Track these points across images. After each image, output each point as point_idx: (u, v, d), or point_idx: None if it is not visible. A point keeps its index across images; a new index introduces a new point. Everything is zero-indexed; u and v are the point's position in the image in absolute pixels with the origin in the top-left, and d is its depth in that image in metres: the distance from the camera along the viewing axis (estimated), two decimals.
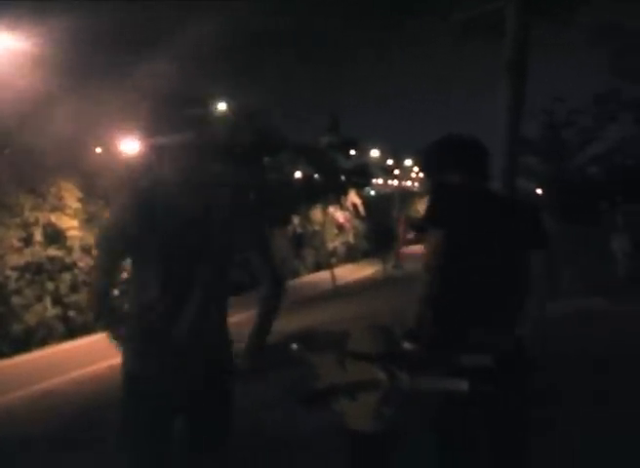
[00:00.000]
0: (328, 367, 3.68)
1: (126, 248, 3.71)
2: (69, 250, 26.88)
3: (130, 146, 33.03)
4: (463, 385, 3.48)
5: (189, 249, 3.62)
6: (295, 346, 3.82)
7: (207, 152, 3.81)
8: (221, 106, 35.87)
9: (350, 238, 58.12)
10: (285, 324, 3.85)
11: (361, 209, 57.58)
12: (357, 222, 59.00)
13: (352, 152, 44.53)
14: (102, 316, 3.94)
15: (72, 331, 26.26)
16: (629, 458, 5.92)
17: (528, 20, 11.27)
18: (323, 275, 43.89)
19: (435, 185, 4.46)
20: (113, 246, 3.76)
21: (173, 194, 3.68)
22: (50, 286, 26.09)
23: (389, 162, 62.06)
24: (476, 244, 4.10)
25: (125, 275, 3.90)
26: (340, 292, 36.58)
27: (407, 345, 3.81)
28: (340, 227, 55.98)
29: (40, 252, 25.92)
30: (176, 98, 3.83)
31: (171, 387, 3.61)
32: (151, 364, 3.63)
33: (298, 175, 43.00)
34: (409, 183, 73.10)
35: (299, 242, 48.92)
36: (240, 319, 3.97)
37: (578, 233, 42.81)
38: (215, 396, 3.72)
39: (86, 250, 27.25)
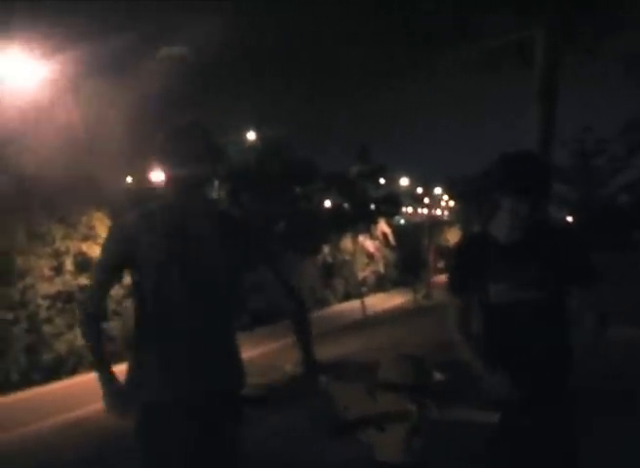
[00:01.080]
0: (357, 397, 3.65)
1: (125, 263, 3.76)
2: None
3: (159, 176, 33.19)
4: (494, 418, 3.44)
5: (184, 267, 3.65)
6: (324, 379, 3.79)
7: (210, 183, 3.88)
8: (250, 136, 35.96)
9: (380, 267, 58.00)
10: (315, 353, 3.82)
11: (391, 238, 57.54)
12: (387, 251, 58.89)
13: (382, 181, 44.60)
14: (89, 336, 3.99)
15: None
16: None
17: (556, 50, 11.26)
18: (353, 304, 43.80)
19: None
20: (113, 259, 3.82)
21: (174, 214, 3.73)
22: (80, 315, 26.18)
23: (419, 190, 62.05)
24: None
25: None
26: (371, 322, 36.46)
27: (437, 375, 3.78)
28: (370, 256, 55.91)
29: (71, 280, 26.01)
30: (185, 131, 3.89)
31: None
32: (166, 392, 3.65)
33: (328, 204, 43.09)
34: (439, 212, 73.08)
35: (328, 271, 48.88)
36: (254, 354, 3.98)
37: (610, 262, 42.59)
38: (218, 444, 3.73)
39: None
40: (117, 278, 3.96)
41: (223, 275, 3.75)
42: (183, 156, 3.77)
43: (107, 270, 3.90)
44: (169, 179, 3.84)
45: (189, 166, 3.75)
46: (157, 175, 32.15)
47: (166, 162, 3.83)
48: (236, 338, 3.91)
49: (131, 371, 3.87)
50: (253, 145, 35.67)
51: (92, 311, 4.01)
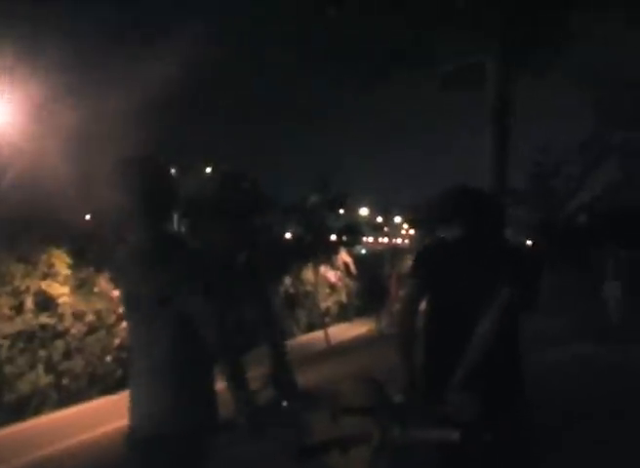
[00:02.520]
0: (320, 422, 3.67)
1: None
2: (61, 317, 26.75)
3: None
4: (454, 435, 3.48)
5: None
6: (285, 404, 3.82)
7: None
8: (207, 170, 35.98)
9: (343, 297, 57.94)
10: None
11: (352, 267, 57.58)
12: (349, 281, 58.91)
13: (341, 211, 44.68)
14: None
15: (66, 399, 26.07)
16: None
17: (508, 72, 11.39)
18: (316, 335, 43.77)
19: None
20: None
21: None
22: (42, 353, 25.93)
23: (379, 219, 62.27)
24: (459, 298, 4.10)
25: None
26: (335, 352, 36.45)
27: (398, 398, 3.81)
28: (332, 286, 55.89)
29: (32, 319, 25.77)
30: (138, 165, 3.89)
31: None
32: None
33: (287, 235, 43.10)
34: (399, 240, 73.30)
35: (291, 302, 48.80)
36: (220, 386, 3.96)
37: (570, 281, 42.90)
38: None
39: (78, 316, 27.18)
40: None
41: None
42: (142, 191, 3.77)
43: None
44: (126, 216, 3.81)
45: (152, 202, 3.75)
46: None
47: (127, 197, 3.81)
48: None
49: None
50: (211, 179, 35.60)
51: None
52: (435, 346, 4.15)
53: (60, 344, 26.62)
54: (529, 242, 50.45)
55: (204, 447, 3.80)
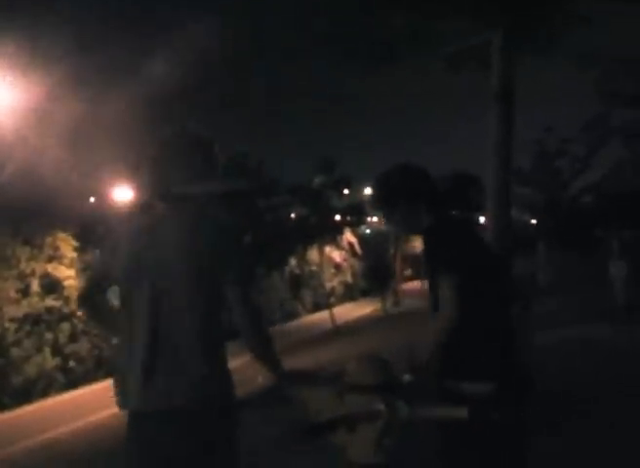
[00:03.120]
0: (326, 401, 3.65)
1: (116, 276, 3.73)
2: (67, 299, 26.81)
3: (123, 195, 33.18)
4: (463, 413, 3.47)
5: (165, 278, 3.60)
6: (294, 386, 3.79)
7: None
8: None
9: (348, 277, 58.01)
10: (285, 366, 3.81)
11: (357, 247, 57.59)
12: (354, 261, 58.92)
13: (346, 191, 44.57)
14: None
15: (73, 381, 26.15)
16: None
17: (513, 52, 11.34)
18: (322, 315, 43.74)
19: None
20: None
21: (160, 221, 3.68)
22: (49, 336, 26.00)
23: None
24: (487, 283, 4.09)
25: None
26: (340, 332, 36.41)
27: (406, 377, 3.80)
28: (338, 267, 55.91)
29: (38, 302, 25.86)
30: (197, 141, 3.82)
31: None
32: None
33: (292, 216, 43.02)
34: None
35: (296, 283, 48.83)
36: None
37: (575, 262, 42.84)
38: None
39: None
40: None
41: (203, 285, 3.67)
42: (197, 171, 3.69)
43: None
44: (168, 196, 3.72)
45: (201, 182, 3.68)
46: (121, 194, 32.14)
47: (169, 176, 3.71)
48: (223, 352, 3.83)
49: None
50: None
51: None
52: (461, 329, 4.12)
53: (66, 327, 26.71)
54: (533, 221, 50.41)
55: (232, 421, 3.76)
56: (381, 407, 3.49)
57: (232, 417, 3.73)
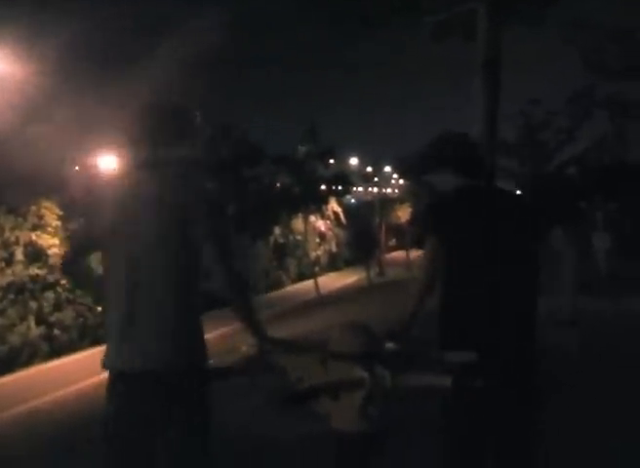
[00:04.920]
0: (309, 369, 3.65)
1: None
2: (51, 268, 26.79)
3: (107, 163, 33.13)
4: (447, 381, 3.48)
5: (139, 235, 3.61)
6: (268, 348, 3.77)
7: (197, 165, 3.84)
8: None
9: (332, 246, 58.07)
10: (268, 331, 3.80)
11: (342, 217, 57.65)
12: (339, 231, 58.96)
13: (331, 161, 44.58)
14: None
15: (57, 350, 26.16)
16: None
17: (499, 21, 11.30)
18: (307, 284, 43.88)
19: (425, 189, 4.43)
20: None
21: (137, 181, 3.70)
22: (33, 305, 25.98)
23: (369, 169, 62.15)
24: (476, 249, 4.08)
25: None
26: (325, 301, 36.50)
27: (389, 344, 3.80)
28: (322, 236, 55.93)
29: (22, 271, 25.83)
30: (176, 109, 3.86)
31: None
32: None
33: (277, 185, 43.01)
34: (389, 190, 73.21)
35: (281, 252, 48.87)
36: (209, 337, 3.92)
37: (559, 233, 42.98)
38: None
39: None
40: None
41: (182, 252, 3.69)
42: (170, 135, 3.72)
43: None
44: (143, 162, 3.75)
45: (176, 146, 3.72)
46: (105, 162, 32.11)
47: (146, 141, 3.74)
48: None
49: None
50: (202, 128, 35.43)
51: None
52: (453, 298, 4.12)
53: (50, 296, 26.68)
54: (517, 192, 50.56)
55: (204, 387, 3.77)
56: (365, 375, 3.49)
57: (202, 384, 3.73)
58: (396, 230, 60.93)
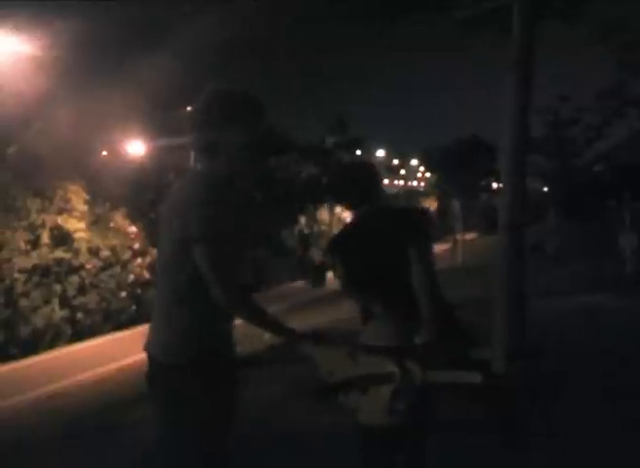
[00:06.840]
0: (339, 361, 3.63)
1: None
2: (76, 252, 26.87)
3: (135, 148, 33.21)
4: (476, 378, 3.46)
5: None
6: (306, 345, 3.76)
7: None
8: None
9: None
10: (296, 324, 3.78)
11: None
12: None
13: (358, 152, 44.56)
14: None
15: (80, 334, 26.26)
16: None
17: (534, 18, 11.21)
18: (332, 274, 43.83)
19: None
20: None
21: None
22: (57, 288, 26.06)
23: (395, 162, 62.12)
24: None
25: None
26: None
27: (418, 339, 3.80)
28: None
29: (47, 254, 25.88)
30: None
31: None
32: None
33: (304, 175, 43.03)
34: (415, 183, 73.17)
35: (306, 242, 48.86)
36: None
37: (585, 231, 42.75)
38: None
39: (93, 252, 27.35)
40: None
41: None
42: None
43: None
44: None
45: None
46: (133, 148, 32.20)
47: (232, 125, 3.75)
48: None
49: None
50: None
51: None
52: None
53: (74, 279, 26.77)
54: (545, 188, 50.32)
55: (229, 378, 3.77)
56: (395, 369, 3.48)
57: (190, 379, 3.71)
58: None
